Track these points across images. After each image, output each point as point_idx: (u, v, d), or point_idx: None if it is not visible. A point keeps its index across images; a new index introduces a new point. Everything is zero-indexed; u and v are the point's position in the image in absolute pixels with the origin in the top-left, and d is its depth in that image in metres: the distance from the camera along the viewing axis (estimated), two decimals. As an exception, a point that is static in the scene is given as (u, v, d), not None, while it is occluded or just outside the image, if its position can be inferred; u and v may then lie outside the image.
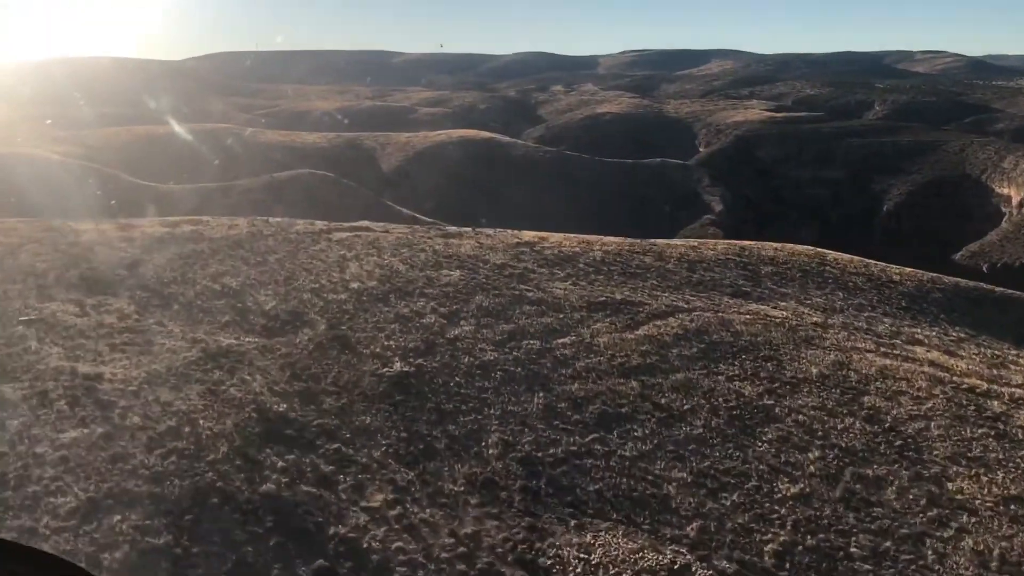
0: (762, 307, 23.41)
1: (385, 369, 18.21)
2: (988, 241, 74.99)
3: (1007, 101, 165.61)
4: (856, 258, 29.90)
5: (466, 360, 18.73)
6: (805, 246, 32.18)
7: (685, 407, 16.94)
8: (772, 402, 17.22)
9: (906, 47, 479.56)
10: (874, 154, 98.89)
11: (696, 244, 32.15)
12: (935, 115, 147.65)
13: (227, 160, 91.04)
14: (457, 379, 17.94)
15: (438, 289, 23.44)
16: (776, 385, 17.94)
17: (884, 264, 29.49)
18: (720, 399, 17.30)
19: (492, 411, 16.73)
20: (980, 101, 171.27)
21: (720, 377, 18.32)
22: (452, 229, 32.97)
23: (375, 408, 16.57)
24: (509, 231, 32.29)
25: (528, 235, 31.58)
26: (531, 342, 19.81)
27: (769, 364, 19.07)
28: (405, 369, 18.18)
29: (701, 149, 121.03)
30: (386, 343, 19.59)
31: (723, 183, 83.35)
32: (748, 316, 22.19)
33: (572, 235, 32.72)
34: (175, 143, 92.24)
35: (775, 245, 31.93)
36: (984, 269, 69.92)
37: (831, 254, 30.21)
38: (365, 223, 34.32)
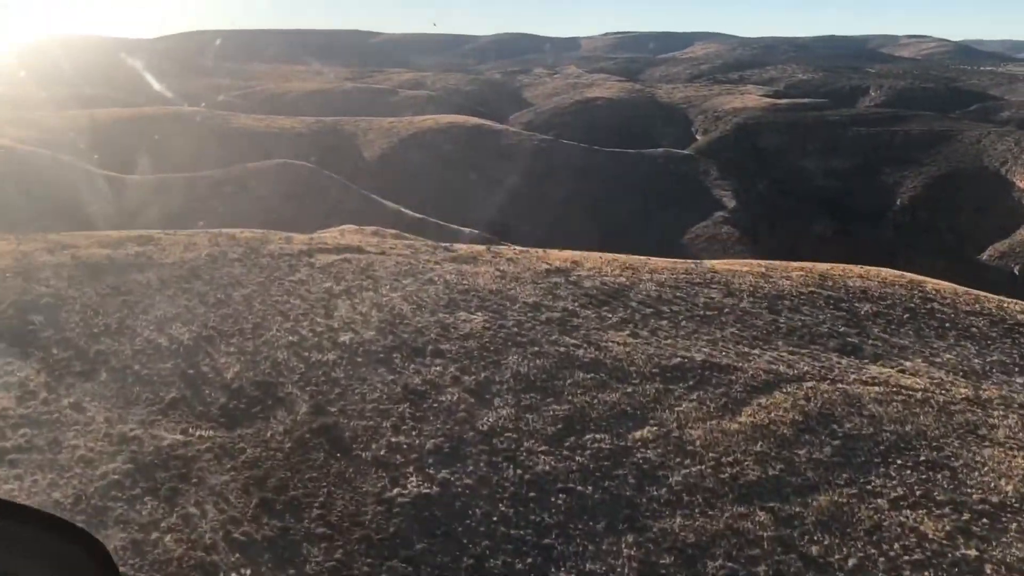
0: (886, 370, 17.92)
1: (396, 490, 12.53)
2: (1019, 240, 70.29)
3: (1005, 88, 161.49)
4: (959, 288, 24.57)
5: (511, 472, 13.08)
6: (892, 271, 26.73)
7: (849, 562, 11.36)
8: (973, 551, 11.68)
9: (890, 31, 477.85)
10: (884, 144, 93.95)
11: (765, 269, 26.61)
12: (935, 102, 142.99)
13: (197, 146, 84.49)
14: (502, 508, 12.27)
15: (457, 344, 17.78)
16: (966, 518, 12.40)
17: (996, 297, 24.15)
18: (895, 545, 11.75)
19: (563, 572, 11.09)
20: (976, 88, 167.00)
21: (880, 501, 12.77)
22: (462, 249, 27.26)
23: (386, 571, 10.90)
24: (534, 252, 26.70)
25: (557, 257, 25.98)
26: (598, 437, 14.20)
27: (940, 475, 13.55)
28: (425, 490, 12.53)
29: (698, 137, 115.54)
30: (394, 439, 13.91)
31: (733, 175, 78.04)
32: (877, 388, 16.66)
33: (609, 256, 27.14)
34: (141, 127, 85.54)
35: (858, 270, 26.45)
36: (1016, 271, 65.29)
37: (928, 283, 24.82)
38: (356, 239, 28.57)
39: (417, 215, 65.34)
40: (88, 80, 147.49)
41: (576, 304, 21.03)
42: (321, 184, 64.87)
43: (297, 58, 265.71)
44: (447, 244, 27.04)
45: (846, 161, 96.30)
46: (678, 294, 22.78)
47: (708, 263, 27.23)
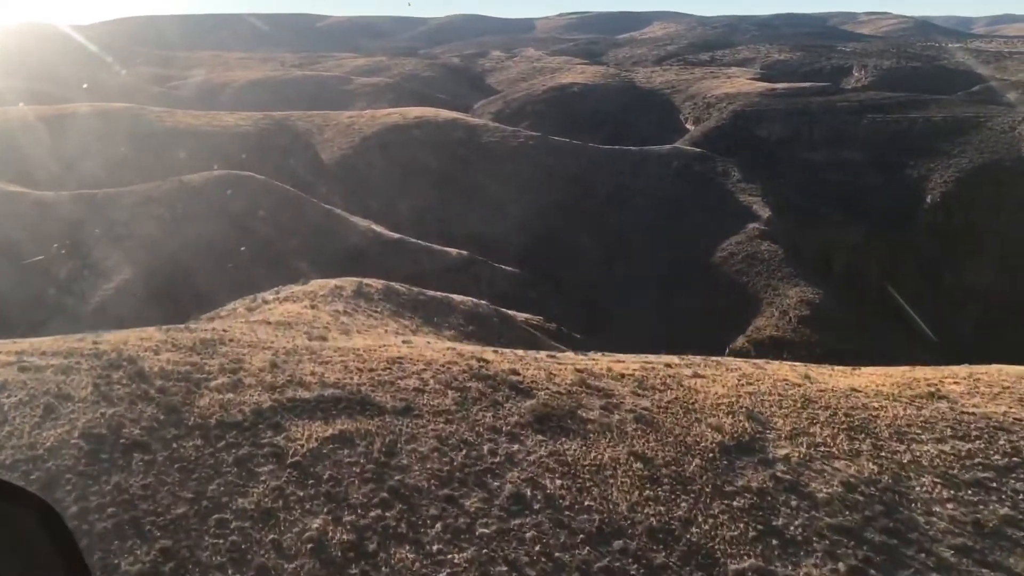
0: None
1: None
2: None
3: (994, 66, 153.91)
4: None
5: None
6: None
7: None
8: None
9: (848, 8, 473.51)
10: (902, 133, 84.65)
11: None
12: (928, 83, 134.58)
13: (125, 151, 72.09)
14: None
15: None
16: None
17: None
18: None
19: None
20: (964, 66, 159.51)
21: None
22: (541, 386, 16.11)
23: None
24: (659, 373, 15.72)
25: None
26: None
27: None
28: None
29: (689, 127, 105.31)
30: None
31: (759, 177, 67.71)
32: None
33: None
34: (56, 128, 72.77)
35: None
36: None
37: None
38: (340, 325, 17.60)
39: (394, 235, 54.16)
40: (10, 72, 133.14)
41: None
42: (275, 200, 53.28)
43: (240, 44, 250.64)
44: (514, 375, 15.89)
45: (860, 153, 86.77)
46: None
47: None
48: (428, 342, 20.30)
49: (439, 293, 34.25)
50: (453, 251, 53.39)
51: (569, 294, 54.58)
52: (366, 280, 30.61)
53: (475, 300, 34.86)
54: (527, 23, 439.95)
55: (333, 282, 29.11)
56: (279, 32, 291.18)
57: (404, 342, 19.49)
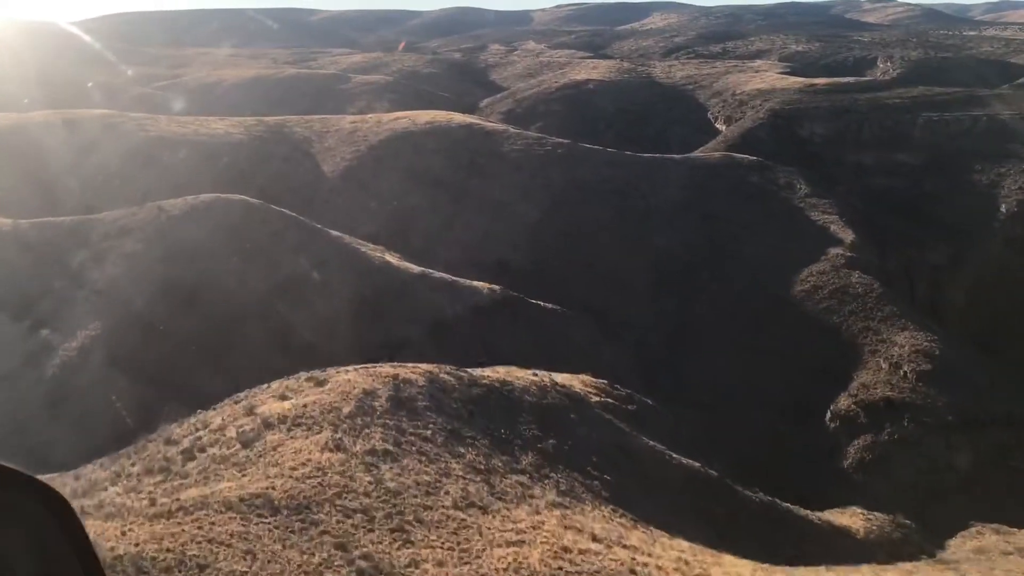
0: None
1: None
2: None
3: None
4: None
5: None
6: None
7: None
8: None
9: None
10: (964, 132, 76.47)
11: None
12: (961, 74, 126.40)
13: (99, 167, 63.65)
14: None
15: None
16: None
17: None
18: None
19: None
20: (993, 56, 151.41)
21: None
22: None
23: None
24: None
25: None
26: None
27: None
28: None
29: (719, 126, 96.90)
30: None
31: (831, 192, 59.08)
32: None
33: None
34: (21, 142, 64.26)
35: None
36: None
37: None
38: None
39: (414, 269, 45.81)
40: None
41: None
42: (272, 232, 44.86)
43: (229, 40, 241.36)
44: None
45: (916, 155, 78.56)
46: None
47: None
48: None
49: (492, 375, 26.01)
50: (483, 287, 45.08)
51: (618, 334, 46.31)
52: (403, 374, 22.33)
53: (538, 380, 26.59)
54: (524, 15, 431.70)
55: (360, 382, 20.88)
56: (269, 27, 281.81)
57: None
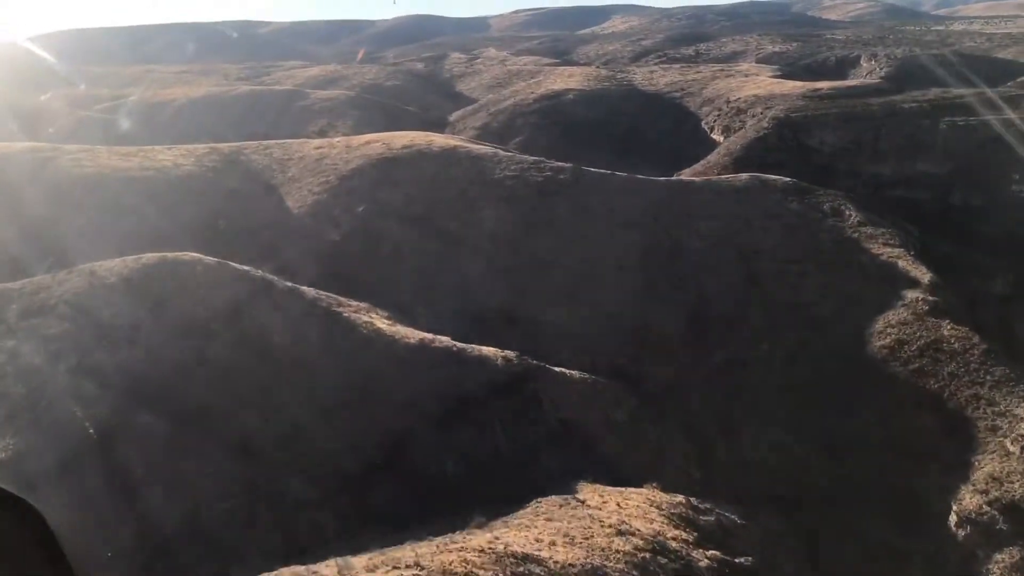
0: None
1: None
2: None
3: (1015, 50, 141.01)
4: None
5: None
6: None
7: None
8: None
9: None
10: (993, 139, 69.82)
11: None
12: (955, 72, 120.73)
13: (30, 214, 54.38)
14: None
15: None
16: None
17: None
18: None
19: None
20: (978, 51, 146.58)
21: None
22: None
23: None
24: None
25: None
26: None
27: None
28: None
29: (717, 137, 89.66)
30: None
31: (893, 221, 51.31)
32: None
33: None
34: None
35: None
36: None
37: None
38: None
39: (411, 337, 37.43)
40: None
41: None
42: (233, 298, 36.17)
43: (178, 56, 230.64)
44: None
45: (941, 165, 71.74)
46: None
47: None
48: None
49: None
50: (495, 354, 36.84)
51: (661, 405, 38.36)
52: None
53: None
54: (481, 22, 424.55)
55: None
56: (219, 42, 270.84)
57: None
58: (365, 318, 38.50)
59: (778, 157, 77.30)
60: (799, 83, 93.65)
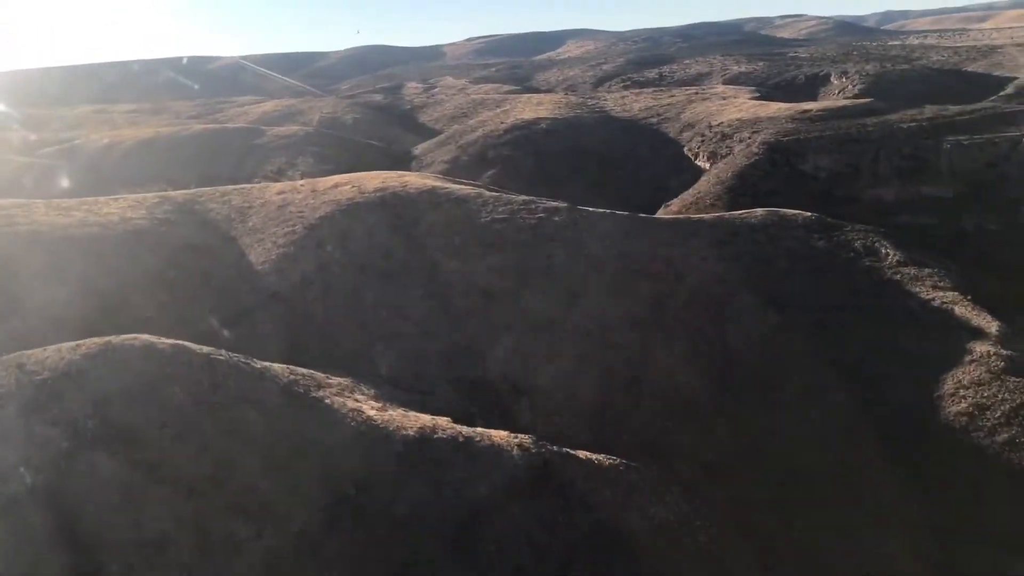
0: None
1: None
2: None
3: (983, 63, 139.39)
4: None
5: None
6: None
7: None
8: None
9: (759, 14, 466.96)
10: (1001, 157, 65.92)
11: None
12: (929, 87, 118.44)
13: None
14: None
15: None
16: None
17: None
18: None
19: None
20: (947, 64, 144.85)
21: None
22: None
23: None
24: None
25: None
26: None
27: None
28: None
29: (702, 164, 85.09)
30: None
31: (938, 257, 46.56)
32: None
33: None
34: None
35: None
36: None
37: None
38: None
39: (408, 426, 31.48)
40: None
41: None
42: (195, 391, 30.00)
43: (126, 95, 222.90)
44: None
45: (948, 187, 67.83)
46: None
47: None
48: None
49: None
50: (509, 443, 31.04)
51: (704, 493, 32.83)
52: None
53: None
54: (435, 50, 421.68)
55: None
56: (168, 79, 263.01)
57: None
58: (351, 403, 32.50)
59: (772, 184, 72.95)
60: (784, 105, 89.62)
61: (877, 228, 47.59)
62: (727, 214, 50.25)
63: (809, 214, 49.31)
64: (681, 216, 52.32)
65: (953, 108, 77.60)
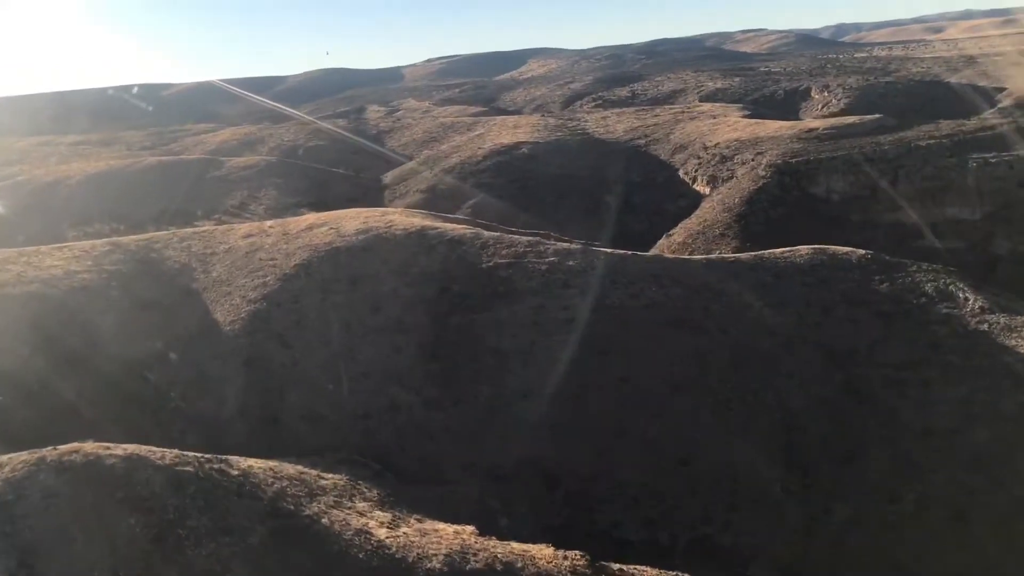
0: None
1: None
2: None
3: (969, 73, 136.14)
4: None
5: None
6: None
7: None
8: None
9: (719, 29, 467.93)
10: (1035, 176, 61.18)
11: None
12: (915, 100, 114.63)
13: None
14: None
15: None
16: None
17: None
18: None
19: None
20: (928, 75, 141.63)
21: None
22: None
23: None
24: None
25: None
26: None
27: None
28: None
29: (701, 188, 79.43)
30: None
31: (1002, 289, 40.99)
32: None
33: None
34: None
35: None
36: None
37: None
38: None
39: (437, 549, 24.71)
40: None
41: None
42: (154, 523, 23.15)
43: (75, 126, 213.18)
44: None
45: (975, 208, 62.82)
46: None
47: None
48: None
49: None
50: (561, 570, 24.50)
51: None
52: None
53: None
54: (394, 72, 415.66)
55: None
56: (120, 108, 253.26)
57: None
58: (355, 521, 25.69)
59: (783, 210, 67.58)
60: (785, 123, 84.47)
61: (947, 267, 41.82)
62: (766, 253, 44.19)
63: (863, 252, 43.42)
64: (714, 257, 46.28)
65: (971, 123, 72.82)
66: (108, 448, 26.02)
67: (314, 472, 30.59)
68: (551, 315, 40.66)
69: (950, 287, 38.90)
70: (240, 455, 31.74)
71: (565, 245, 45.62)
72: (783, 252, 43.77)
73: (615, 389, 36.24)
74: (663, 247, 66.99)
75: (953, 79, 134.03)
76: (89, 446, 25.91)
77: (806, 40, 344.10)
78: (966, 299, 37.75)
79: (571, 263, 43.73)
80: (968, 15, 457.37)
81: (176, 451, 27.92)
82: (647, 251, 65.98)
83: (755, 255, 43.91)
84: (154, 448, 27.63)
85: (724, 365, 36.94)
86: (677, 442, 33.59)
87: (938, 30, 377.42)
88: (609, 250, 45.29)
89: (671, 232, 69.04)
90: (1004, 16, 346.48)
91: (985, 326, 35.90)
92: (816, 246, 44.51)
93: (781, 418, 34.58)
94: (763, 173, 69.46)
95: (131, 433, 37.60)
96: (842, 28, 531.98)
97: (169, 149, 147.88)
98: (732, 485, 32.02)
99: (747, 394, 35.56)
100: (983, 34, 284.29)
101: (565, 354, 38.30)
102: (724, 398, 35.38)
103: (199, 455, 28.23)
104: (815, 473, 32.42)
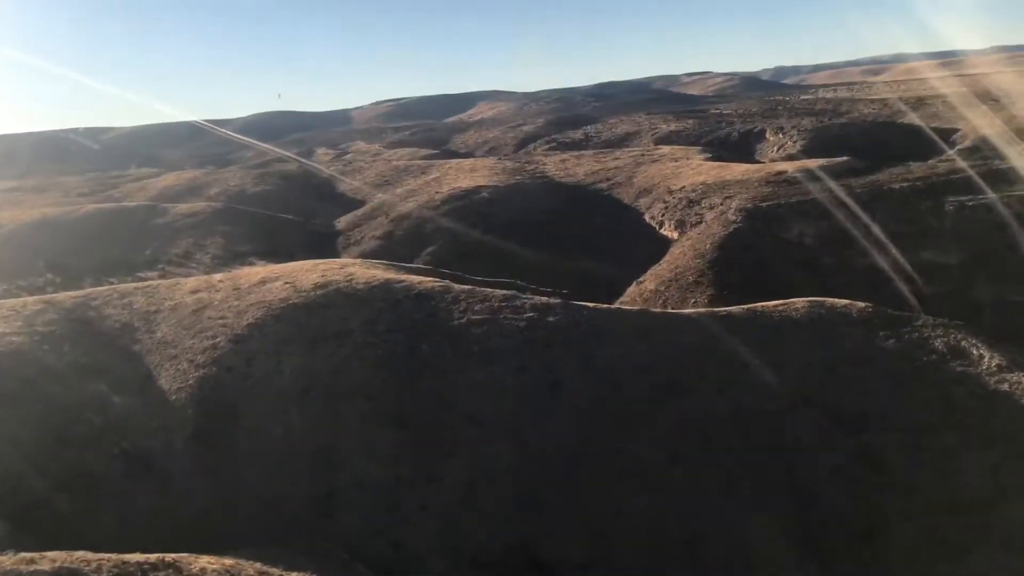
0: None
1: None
2: None
3: (921, 114, 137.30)
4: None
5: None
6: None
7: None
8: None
9: (663, 72, 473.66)
10: (1018, 217, 59.95)
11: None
12: (877, 143, 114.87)
13: None
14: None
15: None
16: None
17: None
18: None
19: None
20: (880, 117, 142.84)
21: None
22: None
23: None
24: None
25: None
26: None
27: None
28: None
29: (669, 233, 77.16)
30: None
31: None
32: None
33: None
34: None
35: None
36: None
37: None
38: None
39: None
40: None
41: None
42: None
43: (7, 171, 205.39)
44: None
45: (952, 252, 61.25)
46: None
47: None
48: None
49: None
50: None
51: None
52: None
53: None
54: (341, 115, 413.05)
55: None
56: (56, 152, 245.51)
57: None
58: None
59: (757, 255, 65.47)
60: (751, 166, 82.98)
61: (957, 322, 39.43)
62: (759, 306, 41.41)
63: (863, 305, 40.85)
64: (704, 311, 43.34)
65: (942, 166, 71.82)
66: (32, 561, 21.83)
67: (276, 571, 26.58)
68: (533, 379, 37.27)
69: (962, 343, 36.46)
70: (190, 547, 27.73)
71: (544, 299, 42.38)
72: (777, 305, 41.06)
73: (609, 461, 32.87)
74: (634, 295, 64.26)
75: (906, 120, 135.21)
76: (8, 560, 21.70)
77: (751, 83, 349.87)
78: (981, 356, 35.33)
79: (551, 319, 40.47)
80: (901, 58, 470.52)
81: (115, 556, 23.82)
82: (617, 299, 63.29)
83: (747, 309, 41.11)
84: (88, 555, 23.48)
85: (725, 432, 33.83)
86: (682, 522, 30.27)
87: (876, 72, 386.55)
88: (592, 304, 42.11)
89: (641, 279, 66.35)
90: (940, 59, 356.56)
91: (1006, 386, 33.40)
92: (812, 299, 41.91)
93: (791, 493, 31.49)
94: (733, 218, 67.36)
95: (64, 522, 33.19)
96: (781, 71, 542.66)
97: (109, 195, 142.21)
98: (745, 571, 28.75)
99: (753, 465, 32.44)
100: (919, 76, 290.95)
101: (552, 422, 34.87)
102: (728, 469, 32.21)
103: (142, 559, 24.18)
104: (832, 553, 29.31)
